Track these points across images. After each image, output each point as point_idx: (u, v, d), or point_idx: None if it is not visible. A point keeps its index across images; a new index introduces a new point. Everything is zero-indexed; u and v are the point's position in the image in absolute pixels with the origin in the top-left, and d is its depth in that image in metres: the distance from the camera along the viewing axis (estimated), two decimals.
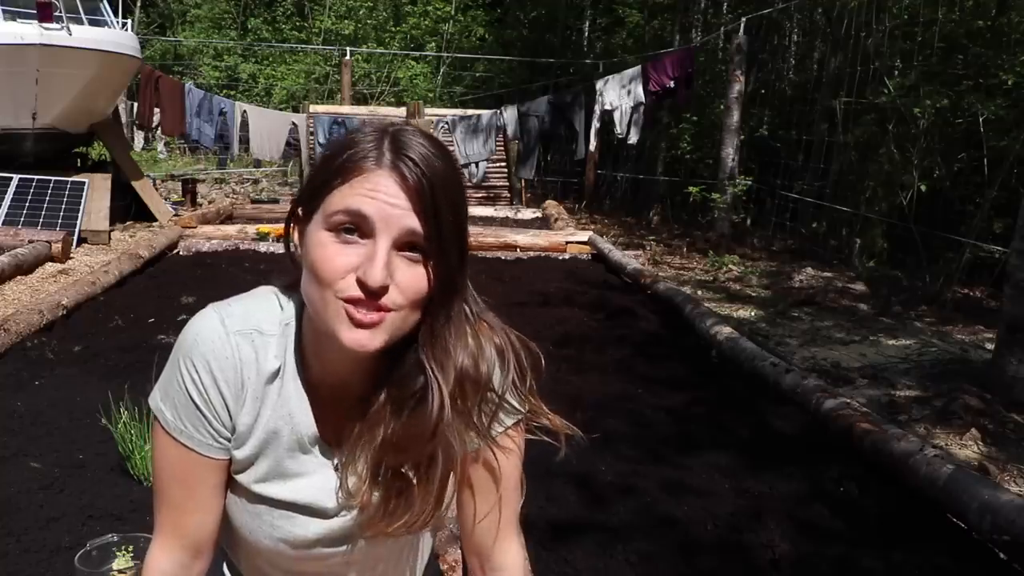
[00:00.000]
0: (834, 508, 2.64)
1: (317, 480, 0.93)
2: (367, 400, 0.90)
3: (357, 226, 0.80)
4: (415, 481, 0.90)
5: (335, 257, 0.80)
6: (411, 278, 0.81)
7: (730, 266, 7.53)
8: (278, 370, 0.90)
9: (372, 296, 0.79)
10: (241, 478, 0.93)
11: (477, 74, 18.30)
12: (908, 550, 2.39)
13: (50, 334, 4.29)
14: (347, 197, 0.80)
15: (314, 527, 0.94)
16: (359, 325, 0.80)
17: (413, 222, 0.80)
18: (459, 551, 2.06)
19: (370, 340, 0.81)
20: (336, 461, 0.93)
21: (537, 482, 2.64)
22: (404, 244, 0.81)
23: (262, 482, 0.93)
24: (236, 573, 1.05)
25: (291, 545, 0.94)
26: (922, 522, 2.57)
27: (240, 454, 0.92)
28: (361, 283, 0.79)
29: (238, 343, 0.88)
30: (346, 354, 0.84)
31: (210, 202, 11.00)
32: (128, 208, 8.76)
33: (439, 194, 0.81)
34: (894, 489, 2.78)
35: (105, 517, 2.36)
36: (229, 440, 0.91)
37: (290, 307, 0.93)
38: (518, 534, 1.00)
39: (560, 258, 7.35)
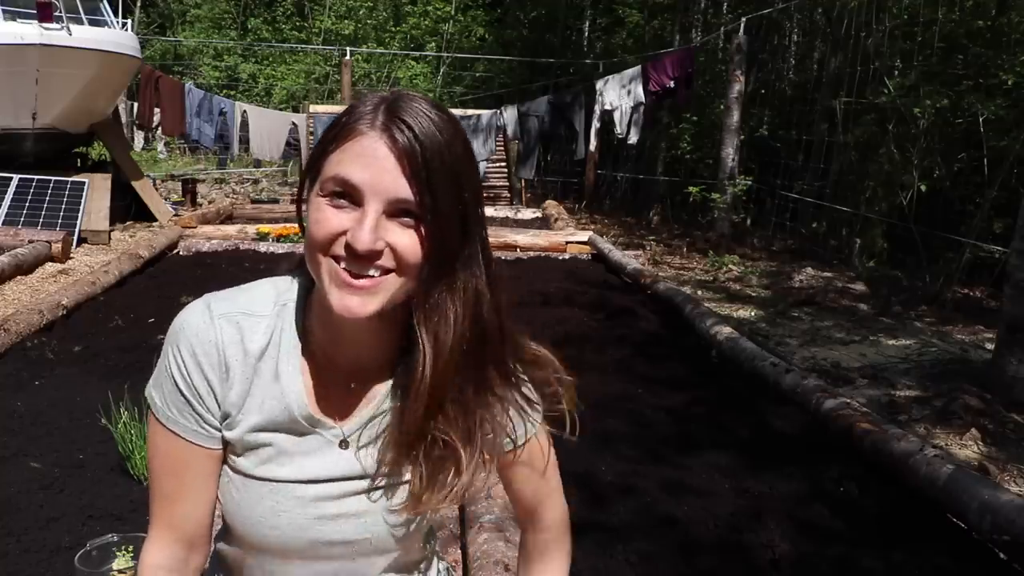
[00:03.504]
0: (834, 508, 2.64)
1: (321, 458, 0.93)
2: (379, 377, 0.92)
3: (348, 191, 0.80)
4: (445, 455, 0.90)
5: (327, 219, 0.80)
6: (405, 243, 0.80)
7: (730, 266, 7.54)
8: (266, 348, 0.90)
9: (359, 259, 0.79)
10: (242, 464, 0.93)
11: (477, 74, 18.30)
12: (908, 550, 2.39)
13: (50, 334, 4.29)
14: (338, 163, 0.80)
15: (322, 507, 0.93)
16: (351, 289, 0.80)
17: (402, 187, 0.79)
18: (459, 551, 2.06)
19: (361, 306, 0.81)
20: (343, 436, 0.93)
21: None
22: (396, 209, 0.80)
23: (265, 463, 0.92)
24: None
25: (299, 525, 0.93)
26: (922, 522, 2.57)
27: (235, 434, 0.91)
28: (348, 247, 0.79)
29: (221, 326, 0.89)
30: (350, 323, 0.84)
31: (210, 202, 11.00)
32: (128, 208, 8.76)
33: (433, 159, 0.79)
34: (894, 489, 2.77)
35: (105, 517, 2.36)
36: (217, 429, 0.91)
37: (292, 288, 0.93)
38: (560, 494, 1.08)
39: (560, 258, 7.35)
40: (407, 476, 0.92)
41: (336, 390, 0.93)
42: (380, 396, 0.92)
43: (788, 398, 3.59)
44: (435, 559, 1.11)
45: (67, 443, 2.89)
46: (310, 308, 0.92)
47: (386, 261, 0.80)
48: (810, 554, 2.37)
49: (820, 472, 2.90)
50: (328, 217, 0.80)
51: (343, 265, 0.80)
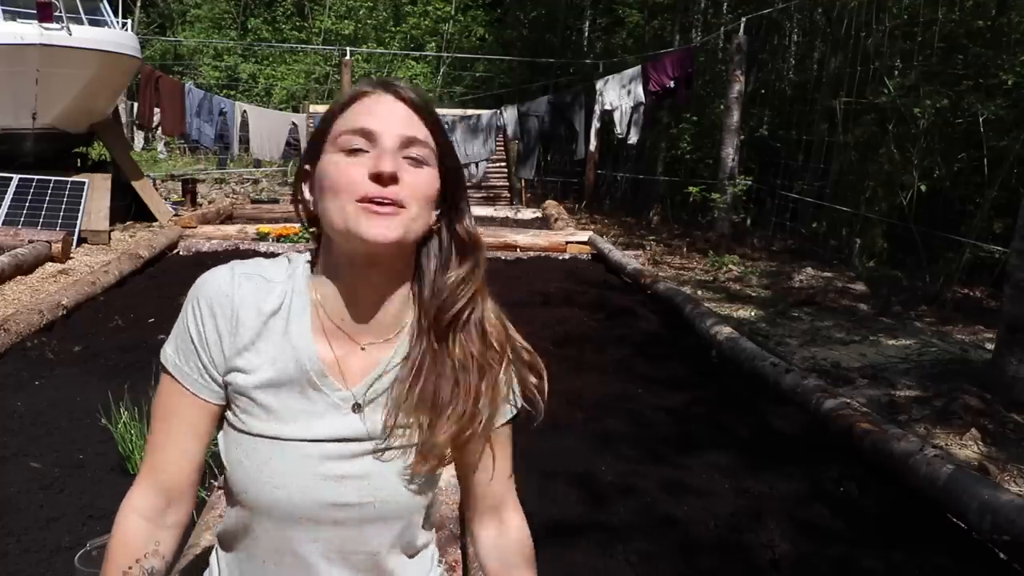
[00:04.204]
0: (834, 508, 2.64)
1: (329, 419, 0.95)
2: (383, 341, 0.99)
3: (364, 137, 0.92)
4: (446, 399, 0.97)
5: (348, 168, 0.91)
6: (416, 178, 0.92)
7: (730, 266, 7.54)
8: (278, 309, 0.96)
9: (385, 184, 0.90)
10: (251, 423, 0.95)
11: (477, 74, 18.30)
12: (908, 550, 2.39)
13: (50, 334, 4.29)
14: (350, 120, 0.93)
15: (328, 467, 0.95)
16: (376, 216, 0.90)
17: (411, 126, 0.93)
18: (459, 551, 2.06)
19: (388, 229, 0.90)
20: (355, 399, 0.96)
21: (537, 482, 2.64)
22: (406, 145, 0.92)
23: (273, 421, 0.95)
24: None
25: (303, 488, 0.94)
26: (922, 522, 2.57)
27: (243, 386, 0.95)
28: (375, 176, 0.89)
29: (240, 283, 0.96)
30: (364, 273, 0.94)
31: (210, 202, 11.00)
32: (128, 208, 8.76)
33: (429, 114, 0.95)
34: (894, 489, 2.77)
35: (105, 517, 2.36)
36: (218, 383, 0.96)
37: (301, 258, 1.01)
38: (516, 502, 1.12)
39: (560, 258, 7.35)
40: (408, 437, 0.96)
41: (343, 353, 0.97)
42: (386, 358, 0.98)
43: (788, 398, 3.59)
44: (439, 559, 1.11)
45: (67, 443, 2.89)
46: (318, 275, 0.99)
47: (403, 191, 0.91)
48: (810, 554, 2.37)
49: (820, 472, 2.90)
50: (347, 164, 0.91)
51: (367, 201, 0.90)
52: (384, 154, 0.90)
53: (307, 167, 0.98)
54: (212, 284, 0.96)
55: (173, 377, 0.97)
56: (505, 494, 1.10)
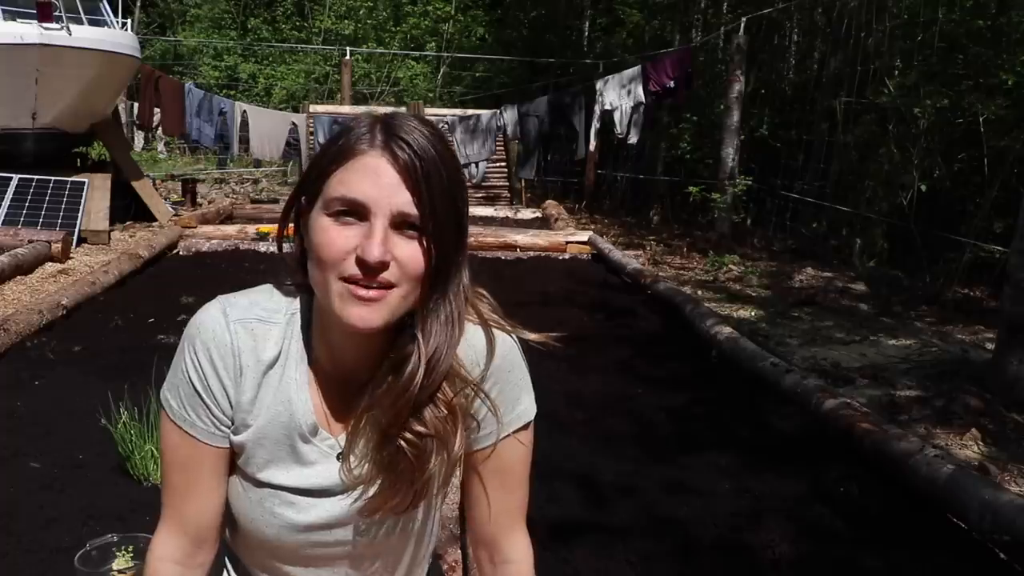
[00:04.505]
0: (834, 508, 2.64)
1: (319, 467, 0.95)
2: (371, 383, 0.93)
3: (354, 209, 0.83)
4: (413, 458, 0.91)
5: (335, 239, 0.83)
6: (410, 254, 0.84)
7: (730, 266, 7.53)
8: (277, 358, 0.93)
9: (371, 273, 0.82)
10: (245, 466, 0.95)
11: (477, 74, 18.29)
12: (908, 550, 2.39)
13: (50, 334, 4.29)
14: (342, 183, 0.84)
15: (315, 512, 0.95)
16: (362, 302, 0.83)
17: (406, 200, 0.83)
18: (459, 551, 2.06)
19: (373, 316, 0.84)
20: (340, 448, 0.95)
21: (537, 482, 2.63)
22: (400, 222, 0.84)
23: (265, 469, 0.95)
24: (243, 573, 1.06)
25: (292, 531, 0.95)
26: (922, 522, 2.57)
27: (241, 439, 0.94)
28: (360, 261, 0.82)
29: (237, 331, 0.92)
30: (352, 336, 0.88)
31: (210, 202, 10.99)
32: (128, 208, 8.75)
33: (431, 173, 0.84)
34: (894, 489, 2.77)
35: (105, 517, 2.36)
36: (229, 428, 0.94)
37: (297, 299, 0.96)
38: (524, 527, 1.05)
39: (560, 258, 7.35)
40: (381, 482, 0.92)
41: (334, 402, 0.95)
42: (369, 400, 0.93)
43: (788, 398, 3.59)
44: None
45: (67, 443, 2.89)
46: (312, 322, 0.94)
47: (391, 274, 0.83)
48: (810, 554, 2.37)
49: (820, 472, 2.90)
50: (336, 237, 0.83)
51: (353, 282, 0.83)
52: (373, 237, 0.82)
53: (303, 201, 0.90)
54: (207, 333, 0.92)
55: (183, 430, 0.93)
56: (497, 533, 1.03)
